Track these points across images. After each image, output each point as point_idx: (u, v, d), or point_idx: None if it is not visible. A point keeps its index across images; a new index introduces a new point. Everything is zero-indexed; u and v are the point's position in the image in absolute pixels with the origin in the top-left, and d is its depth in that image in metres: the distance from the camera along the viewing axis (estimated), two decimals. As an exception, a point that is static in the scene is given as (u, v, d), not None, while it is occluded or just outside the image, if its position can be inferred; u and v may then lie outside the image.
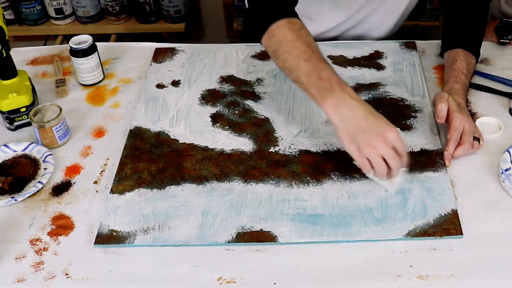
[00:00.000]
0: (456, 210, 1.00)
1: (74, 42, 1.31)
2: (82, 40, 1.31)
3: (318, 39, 1.33)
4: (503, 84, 1.29)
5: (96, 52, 1.32)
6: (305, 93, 1.05)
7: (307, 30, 1.10)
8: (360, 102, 0.99)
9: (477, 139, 1.10)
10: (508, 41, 1.39)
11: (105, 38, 2.51)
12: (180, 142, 1.16)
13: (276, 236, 0.97)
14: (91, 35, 1.33)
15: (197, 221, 1.00)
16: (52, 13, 2.47)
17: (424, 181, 1.05)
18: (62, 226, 1.01)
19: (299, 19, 1.12)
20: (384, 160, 0.98)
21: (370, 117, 0.98)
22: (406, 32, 2.56)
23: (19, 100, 1.19)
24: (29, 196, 1.06)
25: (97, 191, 1.07)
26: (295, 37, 1.07)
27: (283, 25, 1.08)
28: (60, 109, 1.17)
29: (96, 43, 1.33)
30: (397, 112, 1.21)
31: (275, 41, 1.08)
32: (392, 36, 1.54)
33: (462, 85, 1.18)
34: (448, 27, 1.31)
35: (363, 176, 1.04)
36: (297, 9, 1.15)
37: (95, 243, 0.97)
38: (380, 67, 1.34)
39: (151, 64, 1.39)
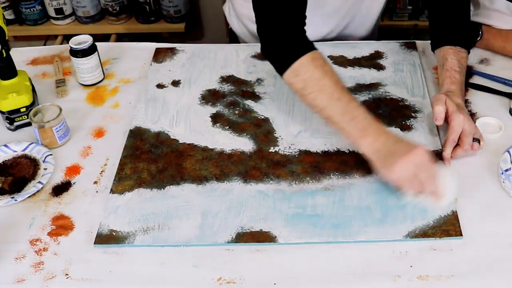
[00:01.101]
0: (456, 211, 1.00)
1: (74, 42, 1.30)
2: (82, 40, 1.31)
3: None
4: (503, 84, 1.29)
5: (96, 52, 1.31)
6: (337, 130, 1.07)
7: (330, 65, 1.10)
8: (392, 134, 1.03)
9: (477, 140, 1.10)
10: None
11: (105, 38, 2.51)
12: (180, 142, 1.16)
13: (275, 237, 0.97)
14: (91, 35, 1.33)
15: (196, 221, 1.00)
16: (52, 13, 2.47)
17: (424, 181, 1.05)
18: (62, 226, 1.01)
19: (317, 49, 1.10)
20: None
21: (399, 143, 1.01)
22: (406, 32, 2.57)
23: (19, 100, 1.19)
24: (29, 196, 1.06)
25: (97, 191, 1.07)
26: (323, 75, 1.06)
27: (307, 62, 1.07)
28: (60, 109, 1.17)
29: (96, 43, 1.33)
30: (397, 112, 1.21)
31: (301, 80, 1.07)
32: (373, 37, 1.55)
33: (458, 85, 1.18)
34: (433, 25, 1.30)
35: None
36: None
37: (95, 243, 0.97)
38: (380, 67, 1.34)
39: (151, 64, 1.39)
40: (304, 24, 1.13)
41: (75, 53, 1.30)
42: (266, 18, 1.12)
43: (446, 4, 1.26)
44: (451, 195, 1.01)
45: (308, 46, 1.10)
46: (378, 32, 1.61)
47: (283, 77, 1.10)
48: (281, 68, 1.10)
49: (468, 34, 1.27)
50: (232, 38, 1.61)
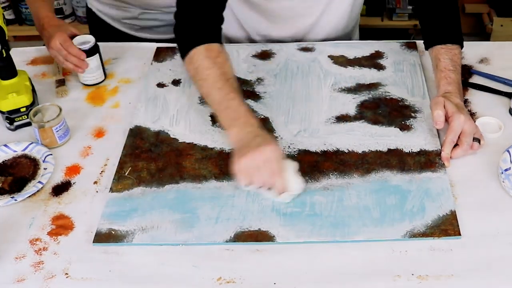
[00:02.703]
0: (455, 211, 1.00)
1: (77, 42, 1.30)
2: (86, 40, 1.31)
3: (284, 41, 1.43)
4: (503, 84, 1.29)
5: (98, 53, 1.32)
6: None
7: (224, 57, 1.16)
8: (258, 128, 1.07)
9: (477, 140, 1.10)
10: None
11: (106, 38, 2.50)
12: (180, 141, 1.17)
13: (274, 236, 0.97)
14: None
15: (195, 220, 1.00)
16: (52, 13, 2.47)
17: (423, 181, 1.05)
18: (62, 226, 1.01)
19: (220, 42, 1.17)
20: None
21: (258, 137, 1.04)
22: (406, 32, 2.57)
23: (19, 100, 1.19)
24: (29, 196, 1.06)
25: (97, 191, 1.07)
26: (211, 65, 1.13)
27: (200, 52, 1.14)
28: (60, 109, 1.17)
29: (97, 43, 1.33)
30: (397, 112, 1.21)
31: (193, 68, 1.15)
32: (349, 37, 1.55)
33: (455, 84, 1.17)
34: (422, 25, 1.30)
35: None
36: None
37: (93, 242, 0.97)
38: (380, 67, 1.34)
39: (152, 63, 1.39)
40: (220, 20, 1.20)
41: None
42: (186, 3, 1.19)
43: (432, 3, 1.26)
44: (294, 190, 1.02)
45: (211, 38, 1.16)
46: (379, 33, 1.60)
47: (183, 61, 1.18)
48: (182, 53, 1.18)
49: (457, 29, 1.26)
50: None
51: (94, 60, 1.31)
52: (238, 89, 1.13)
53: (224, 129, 1.11)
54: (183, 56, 1.18)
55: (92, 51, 1.30)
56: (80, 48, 1.29)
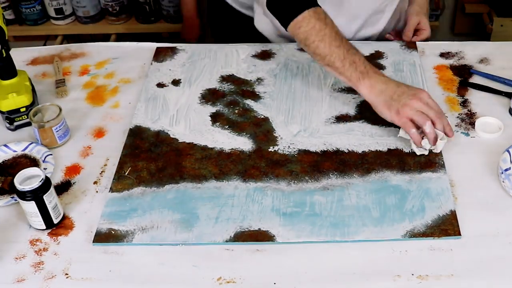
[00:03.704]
0: (455, 211, 1.00)
1: (21, 177, 0.99)
2: (32, 174, 0.99)
3: None
4: (503, 84, 1.29)
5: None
6: (339, 76, 1.17)
7: (330, 18, 1.19)
8: (391, 79, 1.14)
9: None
10: None
11: (105, 38, 2.51)
12: (180, 141, 1.17)
13: (274, 236, 0.97)
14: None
15: (195, 220, 1.00)
16: (52, 13, 2.47)
17: (423, 181, 1.05)
18: (62, 226, 1.01)
19: (320, 7, 1.20)
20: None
21: (402, 85, 1.12)
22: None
23: (19, 100, 1.19)
24: (29, 196, 1.06)
25: (97, 191, 1.07)
26: (324, 26, 1.16)
27: (309, 16, 1.17)
28: (60, 109, 1.17)
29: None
30: (397, 112, 1.21)
31: (304, 31, 1.17)
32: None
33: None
34: None
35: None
36: None
37: (93, 242, 0.97)
38: (380, 67, 1.34)
39: (151, 63, 1.39)
40: None
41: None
42: None
43: None
44: (444, 137, 1.09)
45: (311, 3, 1.19)
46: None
47: (287, 29, 1.20)
48: (285, 21, 1.20)
49: None
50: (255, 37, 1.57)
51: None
52: (355, 46, 1.17)
53: (352, 84, 1.15)
54: (287, 24, 1.19)
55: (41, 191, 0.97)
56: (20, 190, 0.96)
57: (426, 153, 1.10)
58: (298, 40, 1.21)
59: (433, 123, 1.07)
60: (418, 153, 1.10)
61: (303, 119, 1.21)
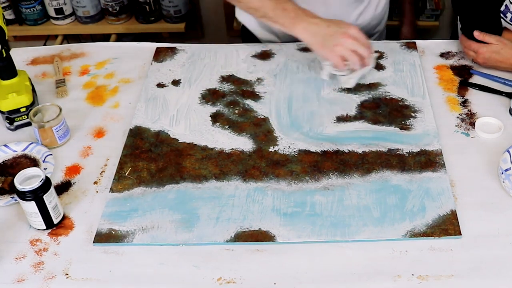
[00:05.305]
0: (455, 211, 1.00)
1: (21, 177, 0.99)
2: (32, 174, 0.99)
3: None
4: (503, 84, 1.29)
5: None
6: (273, 24, 1.25)
7: None
8: (322, 18, 1.21)
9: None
10: None
11: (105, 38, 2.50)
12: (180, 141, 1.17)
13: (274, 236, 0.97)
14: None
15: (195, 220, 1.00)
16: (52, 13, 2.47)
17: (423, 181, 1.05)
18: (62, 226, 1.01)
19: None
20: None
21: (332, 25, 1.19)
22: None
23: (19, 100, 1.19)
24: (29, 196, 1.06)
25: (97, 191, 1.07)
26: None
27: None
28: (60, 109, 1.17)
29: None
30: (397, 112, 1.21)
31: None
32: None
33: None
34: None
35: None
36: None
37: (94, 242, 0.97)
38: (380, 67, 1.34)
39: (151, 64, 1.39)
40: None
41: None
42: None
43: None
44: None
45: None
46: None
47: None
48: None
49: None
50: (245, 36, 1.59)
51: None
52: None
53: (287, 29, 1.22)
54: None
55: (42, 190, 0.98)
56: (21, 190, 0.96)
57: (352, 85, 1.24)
58: (233, 2, 1.29)
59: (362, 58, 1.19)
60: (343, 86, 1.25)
61: (303, 119, 1.21)
